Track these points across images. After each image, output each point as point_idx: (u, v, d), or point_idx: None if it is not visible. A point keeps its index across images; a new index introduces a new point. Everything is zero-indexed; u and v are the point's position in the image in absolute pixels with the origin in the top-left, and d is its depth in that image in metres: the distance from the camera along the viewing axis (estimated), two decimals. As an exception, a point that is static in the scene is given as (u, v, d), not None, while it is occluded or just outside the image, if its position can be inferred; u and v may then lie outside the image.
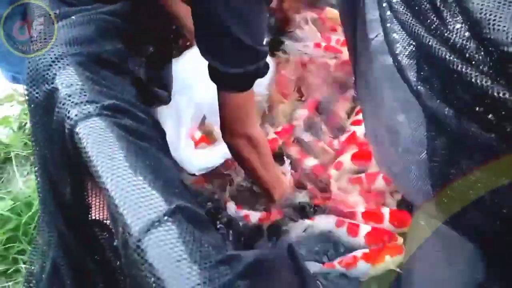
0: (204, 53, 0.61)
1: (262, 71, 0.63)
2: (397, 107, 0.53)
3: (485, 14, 0.35)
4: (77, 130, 0.38)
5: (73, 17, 0.46)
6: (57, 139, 0.41)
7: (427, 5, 0.41)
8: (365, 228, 0.78)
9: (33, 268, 0.56)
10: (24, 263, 1.03)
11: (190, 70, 0.84)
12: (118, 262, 0.51)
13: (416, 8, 0.42)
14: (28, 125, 1.21)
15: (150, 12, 0.79)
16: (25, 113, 1.23)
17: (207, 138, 0.89)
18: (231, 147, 0.70)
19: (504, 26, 0.33)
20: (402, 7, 0.43)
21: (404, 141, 0.55)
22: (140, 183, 0.36)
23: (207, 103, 0.85)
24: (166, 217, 0.34)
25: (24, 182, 1.15)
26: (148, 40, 0.85)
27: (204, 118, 0.90)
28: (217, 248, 0.36)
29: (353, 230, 0.78)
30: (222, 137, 0.69)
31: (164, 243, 0.32)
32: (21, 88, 1.21)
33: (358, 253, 0.76)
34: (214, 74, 0.62)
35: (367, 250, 0.76)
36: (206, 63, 0.62)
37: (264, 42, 0.61)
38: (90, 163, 0.37)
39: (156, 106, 0.74)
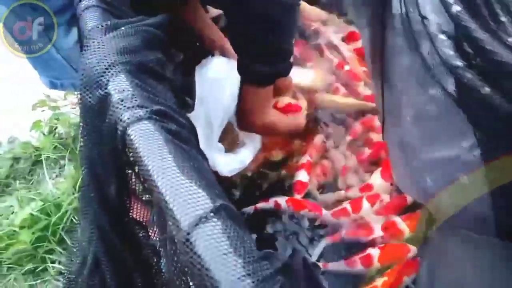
0: (236, 50, 0.68)
1: (287, 69, 0.70)
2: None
3: None
4: (129, 132, 0.41)
5: (122, 28, 0.50)
6: (108, 140, 0.44)
7: (486, 10, 0.42)
8: (375, 252, 0.77)
9: (72, 263, 0.59)
10: (52, 262, 1.07)
11: (213, 77, 0.88)
12: (156, 259, 0.54)
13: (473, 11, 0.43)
14: (58, 129, 1.26)
15: (179, 22, 0.83)
16: (55, 118, 1.28)
17: (233, 141, 0.93)
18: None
19: None
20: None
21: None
22: (188, 182, 0.38)
23: (231, 106, 0.88)
24: (212, 214, 0.37)
25: (54, 184, 1.19)
26: (178, 47, 0.89)
27: (229, 123, 0.93)
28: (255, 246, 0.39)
29: (367, 261, 0.77)
30: (238, 126, 0.78)
31: (211, 237, 0.35)
32: (53, 94, 1.26)
33: (378, 281, 0.75)
34: (242, 69, 0.69)
35: (386, 278, 0.75)
36: (227, 69, 0.67)
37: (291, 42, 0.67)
38: (141, 163, 0.40)
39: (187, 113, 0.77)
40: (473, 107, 0.47)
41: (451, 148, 0.54)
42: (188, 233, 0.35)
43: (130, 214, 0.53)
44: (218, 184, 0.50)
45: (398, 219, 0.80)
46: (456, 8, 0.46)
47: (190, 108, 0.68)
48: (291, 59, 0.70)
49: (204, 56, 0.91)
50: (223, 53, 0.93)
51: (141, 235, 0.54)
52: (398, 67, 0.65)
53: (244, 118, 0.76)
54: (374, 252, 0.77)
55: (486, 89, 0.43)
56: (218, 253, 0.35)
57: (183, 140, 0.47)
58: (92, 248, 0.54)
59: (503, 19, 0.41)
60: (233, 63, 0.91)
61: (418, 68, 0.57)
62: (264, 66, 0.67)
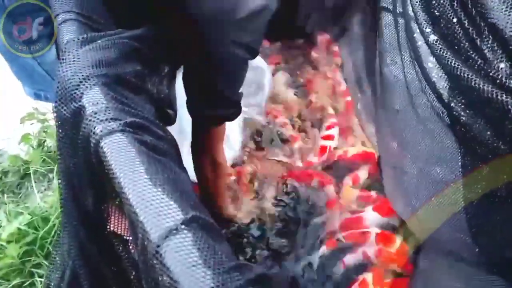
0: (186, 92, 0.70)
1: (233, 116, 0.71)
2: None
3: None
4: (101, 144, 0.41)
5: (99, 41, 0.50)
6: (82, 152, 0.44)
7: (467, 43, 0.43)
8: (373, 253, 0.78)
9: (51, 277, 0.59)
10: (40, 277, 1.06)
11: None
12: (134, 272, 0.54)
13: (456, 47, 0.44)
14: (47, 143, 1.26)
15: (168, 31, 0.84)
16: (44, 130, 1.27)
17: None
18: (195, 164, 0.78)
19: None
20: (440, 44, 0.45)
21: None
22: (159, 194, 0.38)
23: None
24: (183, 226, 0.37)
25: (42, 198, 1.18)
26: (164, 60, 0.89)
27: None
28: (228, 257, 0.39)
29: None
30: (192, 159, 0.77)
31: (181, 249, 0.35)
32: (42, 107, 1.26)
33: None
34: (190, 110, 0.70)
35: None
36: None
37: (240, 91, 0.69)
38: (113, 175, 0.40)
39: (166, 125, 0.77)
40: (462, 133, 0.47)
41: (439, 170, 0.55)
42: (158, 246, 0.35)
43: (108, 227, 0.52)
44: (195, 195, 0.50)
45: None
46: (433, 38, 0.46)
47: (172, 120, 0.68)
48: (238, 106, 0.71)
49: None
50: None
51: (120, 248, 0.53)
52: (392, 94, 0.65)
53: (196, 152, 0.77)
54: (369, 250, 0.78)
55: (472, 119, 0.43)
56: (187, 265, 0.34)
57: (160, 152, 0.47)
58: (71, 262, 0.54)
59: (482, 47, 0.41)
60: None
61: (408, 94, 0.58)
62: (211, 110, 0.69)
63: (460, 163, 0.47)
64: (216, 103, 0.68)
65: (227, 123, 0.74)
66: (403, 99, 0.58)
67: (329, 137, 0.97)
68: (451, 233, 0.56)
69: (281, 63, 1.13)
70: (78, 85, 0.45)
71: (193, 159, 0.78)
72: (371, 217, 0.82)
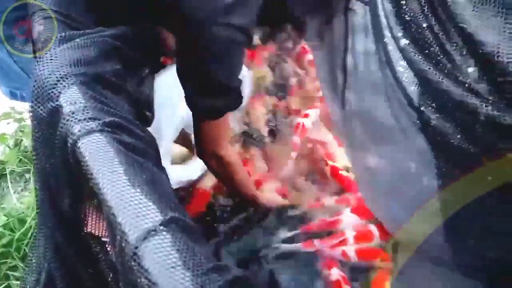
0: (182, 83, 0.67)
1: (233, 104, 0.68)
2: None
3: (510, 59, 0.36)
4: (79, 144, 0.41)
5: (77, 39, 0.49)
6: (59, 153, 0.44)
7: (437, 48, 0.43)
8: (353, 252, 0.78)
9: (27, 280, 0.58)
10: (16, 279, 1.04)
11: (170, 85, 0.87)
12: (112, 274, 0.53)
13: (426, 51, 0.44)
14: (24, 142, 1.23)
15: (148, 32, 0.83)
16: (21, 130, 1.25)
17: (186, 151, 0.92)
18: (206, 165, 0.76)
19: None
20: (411, 48, 0.46)
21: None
22: (138, 195, 0.38)
23: (186, 117, 0.87)
24: (161, 227, 0.36)
25: (18, 199, 1.16)
26: (144, 61, 0.88)
27: (183, 131, 0.92)
28: (208, 258, 0.38)
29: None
30: (196, 153, 0.75)
31: (160, 251, 0.35)
32: (18, 106, 1.23)
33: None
34: (189, 102, 0.68)
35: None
36: None
37: (239, 76, 0.66)
38: (91, 176, 0.39)
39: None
40: (434, 137, 0.48)
41: (415, 179, 0.55)
42: (136, 247, 0.35)
43: (86, 228, 0.51)
44: (175, 197, 0.49)
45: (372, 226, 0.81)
46: (404, 42, 0.47)
47: (149, 121, 0.67)
48: (238, 95, 0.68)
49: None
50: None
51: (97, 250, 0.53)
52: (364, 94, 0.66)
53: (199, 145, 0.74)
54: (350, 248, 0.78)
55: (442, 123, 0.44)
56: (166, 266, 0.34)
57: (139, 152, 0.47)
58: (47, 264, 0.53)
59: (451, 51, 0.42)
60: None
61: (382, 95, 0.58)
62: (209, 100, 0.66)
63: (434, 165, 0.48)
64: (214, 92, 0.65)
65: None
66: (376, 99, 0.58)
67: (306, 115, 0.98)
68: (430, 236, 0.57)
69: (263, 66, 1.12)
70: (56, 84, 0.44)
71: (201, 159, 0.75)
72: (349, 220, 0.82)
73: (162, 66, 0.91)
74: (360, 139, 0.73)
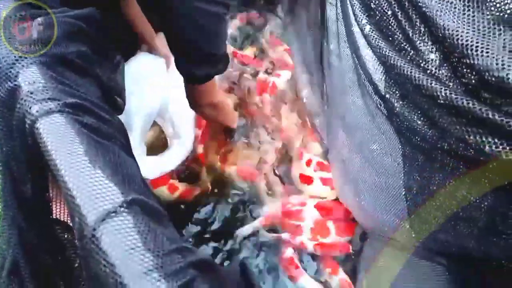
0: (174, 54, 0.72)
1: (222, 69, 0.74)
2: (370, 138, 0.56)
3: (468, 42, 0.36)
4: (37, 125, 0.39)
5: (39, 19, 0.48)
6: (17, 135, 0.42)
7: (400, 35, 0.43)
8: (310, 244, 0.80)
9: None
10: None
11: (138, 74, 0.87)
12: (79, 261, 0.52)
13: (390, 38, 0.44)
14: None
15: (116, 20, 0.82)
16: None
17: (160, 144, 0.91)
18: (199, 114, 0.86)
19: (493, 53, 0.35)
20: (375, 35, 0.46)
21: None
22: (98, 176, 0.37)
23: (156, 107, 0.87)
24: (122, 208, 0.35)
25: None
26: (116, 47, 0.86)
27: (154, 122, 0.91)
28: (172, 240, 0.38)
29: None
30: (190, 106, 0.82)
31: (119, 232, 0.34)
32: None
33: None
34: (178, 68, 0.72)
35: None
36: (153, 67, 0.81)
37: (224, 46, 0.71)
38: (49, 157, 0.38)
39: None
40: (400, 126, 0.48)
41: (383, 171, 0.56)
42: (94, 229, 0.34)
43: (50, 214, 0.50)
44: (142, 181, 0.48)
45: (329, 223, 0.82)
46: (368, 29, 0.47)
47: (120, 108, 0.66)
48: (225, 60, 0.73)
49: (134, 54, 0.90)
50: (150, 50, 0.92)
51: (64, 236, 0.51)
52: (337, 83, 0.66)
53: (192, 101, 0.80)
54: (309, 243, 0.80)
55: (406, 113, 0.44)
56: (125, 248, 0.33)
57: (103, 135, 0.45)
58: (11, 250, 0.51)
59: (414, 38, 0.42)
60: (160, 61, 0.89)
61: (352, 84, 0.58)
62: (197, 68, 0.71)
63: (401, 152, 0.48)
64: (203, 61, 0.70)
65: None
66: (348, 88, 0.58)
67: (277, 75, 1.01)
68: (394, 221, 0.57)
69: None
70: (14, 64, 0.42)
71: (194, 110, 0.83)
72: (310, 213, 0.83)
73: (133, 54, 0.90)
74: (336, 127, 0.74)
